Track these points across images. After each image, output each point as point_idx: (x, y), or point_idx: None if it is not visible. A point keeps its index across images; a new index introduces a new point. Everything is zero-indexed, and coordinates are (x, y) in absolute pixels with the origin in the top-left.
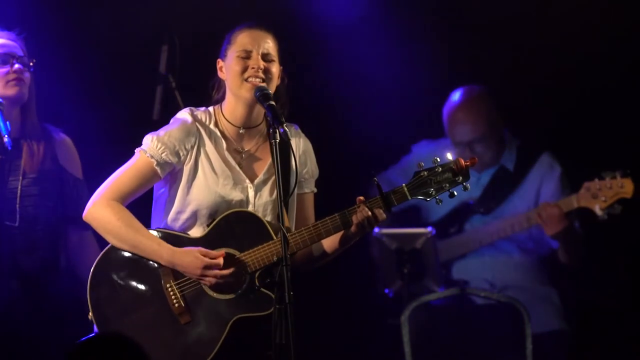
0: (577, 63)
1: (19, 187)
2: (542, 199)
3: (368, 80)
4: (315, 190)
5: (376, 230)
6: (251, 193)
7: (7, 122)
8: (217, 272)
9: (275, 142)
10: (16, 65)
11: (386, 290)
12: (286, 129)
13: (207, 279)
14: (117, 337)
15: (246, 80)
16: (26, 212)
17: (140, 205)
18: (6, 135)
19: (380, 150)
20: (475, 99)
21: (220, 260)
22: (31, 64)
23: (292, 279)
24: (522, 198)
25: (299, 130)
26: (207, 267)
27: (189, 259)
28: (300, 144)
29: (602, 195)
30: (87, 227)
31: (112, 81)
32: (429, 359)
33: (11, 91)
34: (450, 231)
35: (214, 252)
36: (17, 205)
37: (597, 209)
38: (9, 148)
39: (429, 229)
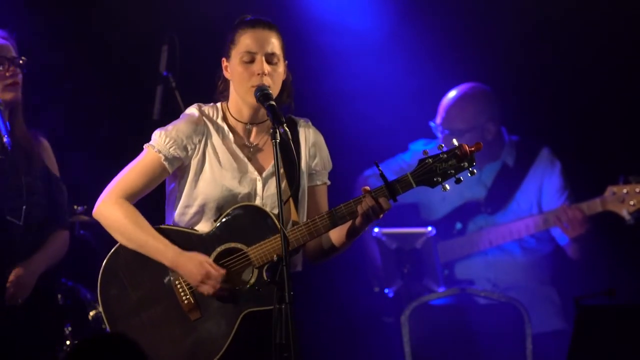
0: (578, 62)
1: (24, 185)
2: (544, 194)
3: (371, 82)
4: (327, 182)
5: (376, 230)
6: (259, 186)
7: (7, 122)
8: (215, 284)
9: (276, 142)
10: (12, 68)
11: (386, 290)
12: (286, 128)
13: (204, 287)
14: (116, 337)
15: (252, 87)
16: (30, 211)
17: (153, 202)
18: (6, 135)
19: (383, 151)
20: (466, 97)
21: (222, 275)
22: (21, 61)
23: (300, 275)
24: (525, 195)
25: (310, 123)
26: (208, 277)
27: (192, 265)
28: (310, 137)
29: (630, 199)
30: (64, 226)
31: (112, 81)
32: (429, 359)
33: (8, 95)
34: (454, 231)
35: (217, 267)
36: (24, 204)
37: (625, 214)
38: (9, 148)
39: (429, 228)
